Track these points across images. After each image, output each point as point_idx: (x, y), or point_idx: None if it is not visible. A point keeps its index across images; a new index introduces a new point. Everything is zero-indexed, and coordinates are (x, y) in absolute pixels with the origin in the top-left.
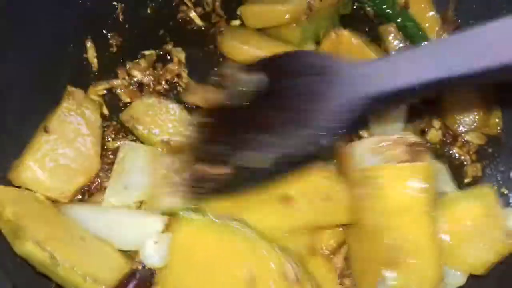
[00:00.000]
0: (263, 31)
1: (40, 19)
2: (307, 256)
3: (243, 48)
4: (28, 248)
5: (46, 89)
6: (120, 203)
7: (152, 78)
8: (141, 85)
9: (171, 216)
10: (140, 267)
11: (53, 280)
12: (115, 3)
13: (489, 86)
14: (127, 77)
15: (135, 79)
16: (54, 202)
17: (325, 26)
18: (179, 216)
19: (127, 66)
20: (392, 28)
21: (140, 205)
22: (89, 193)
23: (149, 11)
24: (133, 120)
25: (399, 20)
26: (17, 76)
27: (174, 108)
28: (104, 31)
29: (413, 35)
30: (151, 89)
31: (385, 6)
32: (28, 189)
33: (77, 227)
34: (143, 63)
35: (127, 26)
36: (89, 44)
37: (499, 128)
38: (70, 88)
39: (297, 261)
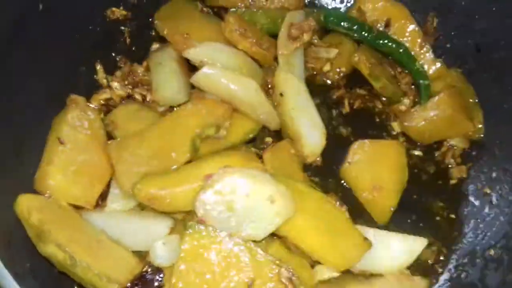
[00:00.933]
0: None
1: (54, 47)
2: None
3: None
4: (50, 250)
5: (60, 105)
6: (122, 208)
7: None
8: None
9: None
10: (149, 268)
11: (73, 278)
12: (122, 28)
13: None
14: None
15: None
16: (77, 208)
17: None
18: (186, 226)
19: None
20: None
21: (143, 207)
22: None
23: (153, 33)
24: (113, 125)
25: (379, 41)
26: (34, 97)
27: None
28: (113, 54)
29: (392, 53)
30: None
31: (363, 32)
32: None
33: (94, 230)
34: (118, 74)
35: (133, 49)
36: (98, 66)
37: (481, 133)
38: (73, 96)
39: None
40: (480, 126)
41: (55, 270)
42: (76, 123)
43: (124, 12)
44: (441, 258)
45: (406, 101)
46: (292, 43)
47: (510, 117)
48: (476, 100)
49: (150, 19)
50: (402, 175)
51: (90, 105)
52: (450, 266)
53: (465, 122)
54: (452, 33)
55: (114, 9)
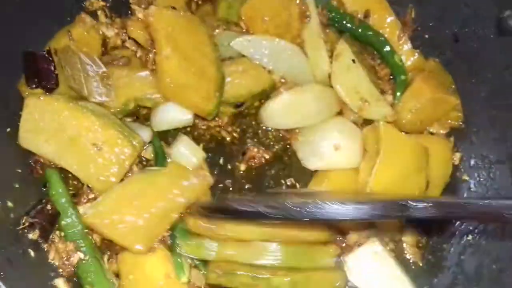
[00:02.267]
0: None
1: None
2: None
3: None
4: None
5: None
6: None
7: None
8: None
9: None
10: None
11: None
12: None
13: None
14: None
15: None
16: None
17: None
18: None
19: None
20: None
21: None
22: None
23: None
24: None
25: (360, 31)
26: None
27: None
28: None
29: (373, 43)
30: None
31: (344, 22)
32: None
33: None
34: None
35: None
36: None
37: (460, 120)
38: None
39: None
40: (459, 114)
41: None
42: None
43: None
44: (420, 244)
45: (389, 97)
46: None
47: (487, 105)
48: (454, 88)
49: None
50: (447, 171)
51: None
52: (428, 251)
53: (447, 98)
54: (430, 24)
55: None
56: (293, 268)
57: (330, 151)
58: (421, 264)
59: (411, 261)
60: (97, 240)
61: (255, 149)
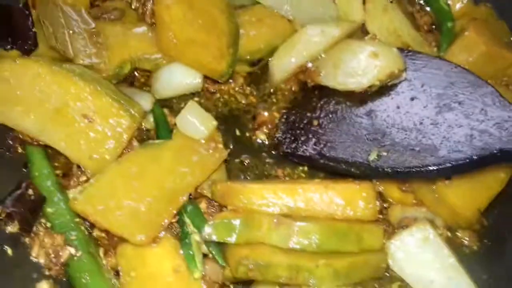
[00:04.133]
0: None
1: None
2: None
3: None
4: None
5: None
6: None
7: None
8: None
9: None
10: None
11: None
12: None
13: None
14: None
15: None
16: None
17: None
18: None
19: None
20: None
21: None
22: None
23: None
24: None
25: None
26: None
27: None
28: None
29: None
30: None
31: None
32: None
33: None
34: None
35: None
36: None
37: None
38: None
39: None
40: None
41: None
42: None
43: None
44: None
45: (432, 49)
46: None
47: None
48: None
49: None
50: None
51: None
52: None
53: (504, 53)
54: None
55: None
56: (334, 253)
57: (370, 60)
58: (476, 248)
59: (465, 244)
60: (91, 231)
61: (265, 113)
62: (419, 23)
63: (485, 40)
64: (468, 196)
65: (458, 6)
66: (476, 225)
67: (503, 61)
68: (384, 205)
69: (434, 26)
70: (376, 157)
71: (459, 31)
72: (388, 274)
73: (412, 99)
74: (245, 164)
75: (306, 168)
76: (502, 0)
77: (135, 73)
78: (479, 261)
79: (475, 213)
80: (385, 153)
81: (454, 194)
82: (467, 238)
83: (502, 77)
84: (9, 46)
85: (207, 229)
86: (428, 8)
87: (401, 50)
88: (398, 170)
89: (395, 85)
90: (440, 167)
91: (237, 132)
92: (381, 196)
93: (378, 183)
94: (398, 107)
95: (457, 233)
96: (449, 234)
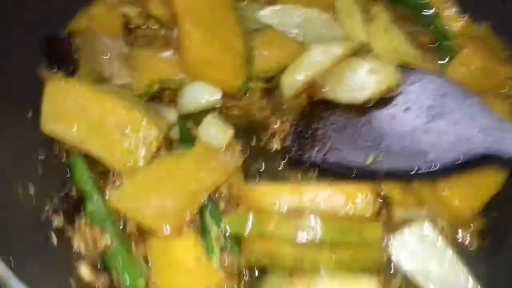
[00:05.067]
0: None
1: None
2: None
3: None
4: None
5: None
6: None
7: None
8: None
9: None
10: None
11: None
12: None
13: None
14: None
15: None
16: None
17: None
18: None
19: None
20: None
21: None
22: None
23: None
24: None
25: None
26: None
27: None
28: None
29: (413, 5)
30: None
31: None
32: None
33: None
34: None
35: None
36: None
37: None
38: None
39: None
40: None
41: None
42: None
43: None
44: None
45: (432, 65)
46: None
47: None
48: (506, 54)
49: None
50: None
51: None
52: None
53: (499, 68)
54: None
55: None
56: (337, 245)
57: (368, 77)
58: (475, 248)
59: (465, 244)
60: (124, 227)
61: (278, 124)
62: (419, 41)
63: (482, 56)
64: (467, 196)
65: (456, 25)
66: (475, 225)
67: (498, 75)
68: (386, 205)
69: (434, 44)
70: (372, 161)
71: (458, 48)
72: (390, 269)
73: (406, 109)
74: (260, 169)
75: (315, 174)
76: (498, 19)
77: (162, 90)
78: (478, 260)
79: (474, 213)
80: (380, 158)
81: (453, 195)
82: (467, 238)
83: (500, 89)
84: (55, 70)
85: (224, 224)
86: (428, 28)
87: (400, 66)
88: (392, 172)
89: (392, 97)
90: (429, 170)
91: (253, 141)
92: (383, 197)
93: (380, 184)
94: (393, 117)
95: (457, 233)
96: (449, 233)
